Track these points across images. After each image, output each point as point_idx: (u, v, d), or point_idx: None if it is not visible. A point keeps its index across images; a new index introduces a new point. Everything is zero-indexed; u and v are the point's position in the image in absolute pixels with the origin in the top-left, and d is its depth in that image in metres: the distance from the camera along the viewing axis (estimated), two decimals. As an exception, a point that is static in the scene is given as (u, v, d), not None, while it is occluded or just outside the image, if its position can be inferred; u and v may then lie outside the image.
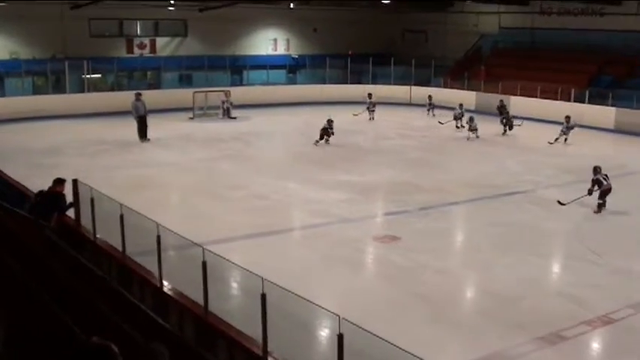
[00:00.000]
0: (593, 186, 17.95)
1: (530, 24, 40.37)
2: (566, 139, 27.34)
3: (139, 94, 28.11)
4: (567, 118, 27.84)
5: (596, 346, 11.29)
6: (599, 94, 32.91)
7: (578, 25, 37.30)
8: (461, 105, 31.71)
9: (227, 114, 33.95)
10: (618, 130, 30.87)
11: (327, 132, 26.36)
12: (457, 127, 30.74)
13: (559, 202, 18.02)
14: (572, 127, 27.50)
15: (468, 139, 28.12)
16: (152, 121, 27.73)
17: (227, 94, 34.30)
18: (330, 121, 26.60)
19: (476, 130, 28.47)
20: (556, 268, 15.11)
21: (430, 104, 35.90)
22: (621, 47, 35.24)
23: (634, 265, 14.24)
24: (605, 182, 17.93)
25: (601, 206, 17.92)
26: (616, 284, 13.27)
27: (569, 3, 35.79)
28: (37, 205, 13.68)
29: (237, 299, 12.00)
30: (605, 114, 31.81)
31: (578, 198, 17.82)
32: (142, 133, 27.22)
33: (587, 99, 33.07)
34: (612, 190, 17.98)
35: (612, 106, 32.05)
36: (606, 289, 13.00)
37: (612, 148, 26.39)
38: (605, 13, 36.00)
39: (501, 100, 32.40)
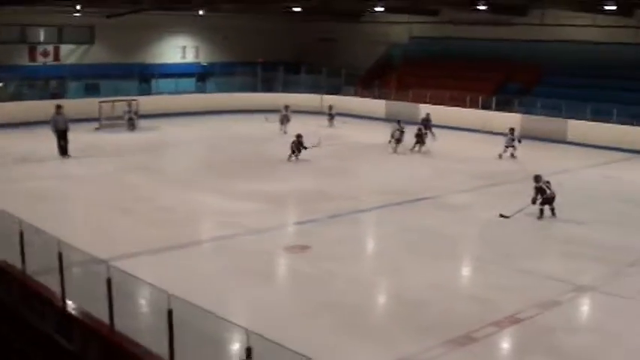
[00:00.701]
0: (536, 195, 17.93)
1: (439, 34, 41.07)
2: (512, 154, 26.83)
3: (60, 107, 26.23)
4: (511, 130, 27.29)
5: (505, 345, 11.45)
6: (505, 102, 33.79)
7: (486, 34, 38.07)
8: (399, 121, 29.47)
9: (131, 125, 33.14)
10: (524, 135, 31.52)
11: (297, 147, 25.46)
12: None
13: (502, 215, 17.89)
14: (515, 140, 26.89)
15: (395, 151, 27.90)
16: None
17: (130, 103, 33.49)
18: (299, 136, 25.69)
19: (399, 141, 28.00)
20: (464, 272, 15.29)
21: (330, 114, 35.47)
22: (527, 56, 36.41)
23: (539, 266, 14.56)
24: (548, 190, 17.97)
25: (542, 213, 18.01)
26: (522, 285, 13.54)
27: (478, 14, 36.47)
28: None
29: (144, 316, 11.65)
30: (512, 120, 32.49)
31: (522, 209, 17.85)
32: (62, 149, 25.65)
33: (494, 106, 33.85)
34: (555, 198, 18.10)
35: (518, 112, 32.92)
36: (513, 289, 13.23)
37: (518, 153, 26.96)
38: (512, 24, 36.86)
39: (428, 114, 31.44)
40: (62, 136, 25.67)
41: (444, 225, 17.72)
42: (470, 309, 12.27)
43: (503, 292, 13.10)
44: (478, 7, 32.45)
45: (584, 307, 13.25)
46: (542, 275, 14.06)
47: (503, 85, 36.42)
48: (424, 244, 16.18)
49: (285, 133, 31.50)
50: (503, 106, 33.77)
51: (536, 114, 32.12)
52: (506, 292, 13.06)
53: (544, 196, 17.92)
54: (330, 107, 35.87)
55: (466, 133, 32.67)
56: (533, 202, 17.94)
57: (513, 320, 11.75)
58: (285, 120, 32.54)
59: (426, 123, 30.19)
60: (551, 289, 13.31)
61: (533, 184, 18.09)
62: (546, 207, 18.08)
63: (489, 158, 26.49)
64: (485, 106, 34.29)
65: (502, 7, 34.47)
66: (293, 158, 25.43)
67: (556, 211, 18.09)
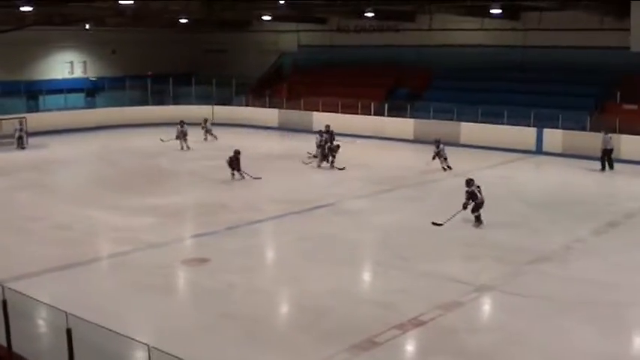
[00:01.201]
0: (468, 199, 17.84)
1: (328, 42, 41.45)
2: (444, 168, 25.56)
3: None
4: (437, 142, 25.89)
5: (409, 348, 11.57)
6: (397, 107, 34.27)
7: (374, 41, 38.70)
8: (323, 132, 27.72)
9: (20, 143, 32.04)
10: (417, 140, 32.28)
11: (236, 164, 24.14)
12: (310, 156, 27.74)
13: (434, 223, 17.77)
14: (441, 150, 25.67)
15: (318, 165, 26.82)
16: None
17: (21, 121, 32.42)
18: (237, 152, 24.36)
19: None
20: (365, 277, 15.44)
21: (204, 127, 34.37)
22: (416, 61, 37.08)
23: (439, 268, 14.78)
24: (479, 195, 17.86)
25: (478, 219, 17.92)
26: (424, 287, 13.75)
27: (365, 20, 37.02)
28: None
29: (43, 337, 11.40)
30: (405, 125, 33.24)
31: (454, 215, 17.86)
32: None
33: (386, 112, 34.39)
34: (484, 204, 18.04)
35: (411, 117, 33.50)
36: (414, 292, 13.41)
37: (413, 157, 27.41)
38: (400, 29, 37.55)
39: (327, 125, 28.79)
40: None
41: (342, 231, 17.82)
42: (372, 313, 12.38)
43: (404, 295, 13.26)
44: (366, 15, 32.97)
45: (486, 306, 13.51)
46: (444, 277, 14.29)
47: (393, 91, 36.90)
48: (323, 251, 16.26)
49: (188, 148, 31.02)
50: (396, 112, 34.22)
51: (429, 118, 32.63)
52: (408, 295, 13.23)
53: (475, 201, 17.85)
54: (205, 121, 34.72)
55: (360, 140, 33.04)
56: (465, 207, 17.91)
57: (416, 323, 11.90)
58: (182, 135, 31.49)
59: (331, 135, 27.92)
60: (453, 290, 13.52)
61: (464, 188, 18.10)
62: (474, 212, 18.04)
63: (384, 164, 26.87)
64: (378, 113, 34.73)
65: (390, 14, 34.97)
66: (237, 176, 24.04)
67: (482, 217, 18.00)
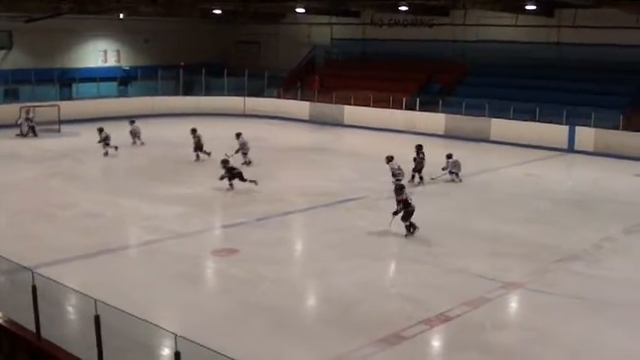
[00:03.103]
0: (398, 205, 16.78)
1: (361, 35, 41.32)
2: (454, 180, 23.10)
3: None
4: (448, 156, 23.53)
5: (435, 343, 11.55)
6: (429, 102, 34.02)
7: (408, 35, 38.42)
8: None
9: (32, 131, 32.18)
10: (448, 135, 32.13)
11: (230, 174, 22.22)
12: None
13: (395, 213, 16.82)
14: (449, 168, 23.22)
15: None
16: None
17: (27, 110, 32.46)
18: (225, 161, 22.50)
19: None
20: (392, 271, 15.44)
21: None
22: (449, 56, 36.85)
23: (466, 264, 14.73)
24: (412, 204, 16.78)
25: (409, 228, 16.77)
26: (451, 283, 13.72)
27: (399, 14, 36.88)
28: None
29: (72, 323, 11.54)
30: (436, 120, 33.06)
31: (390, 222, 16.87)
32: None
33: (417, 106, 34.20)
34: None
35: (442, 112, 33.28)
36: (441, 287, 13.40)
37: (443, 153, 27.07)
38: (435, 24, 37.34)
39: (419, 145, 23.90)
40: None
41: (371, 225, 17.76)
42: (399, 308, 12.37)
43: (431, 290, 13.25)
44: (400, 9, 32.81)
45: (513, 304, 13.46)
46: (471, 273, 14.25)
47: (426, 86, 36.71)
48: (351, 244, 16.27)
49: (142, 144, 29.53)
50: (427, 107, 33.97)
51: (460, 114, 32.44)
52: (435, 291, 13.21)
53: (406, 209, 16.73)
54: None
55: (390, 134, 32.95)
56: (395, 213, 16.80)
57: (443, 318, 11.88)
58: (134, 135, 29.65)
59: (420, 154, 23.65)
60: (480, 286, 13.46)
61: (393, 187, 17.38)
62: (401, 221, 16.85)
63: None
64: (409, 107, 34.56)
65: (424, 8, 34.82)
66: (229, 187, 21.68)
67: (413, 228, 16.84)
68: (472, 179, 23.55)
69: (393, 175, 20.86)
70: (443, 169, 23.20)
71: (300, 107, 38.54)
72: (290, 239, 17.76)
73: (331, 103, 37.12)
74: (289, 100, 39.31)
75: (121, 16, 39.45)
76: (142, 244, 16.44)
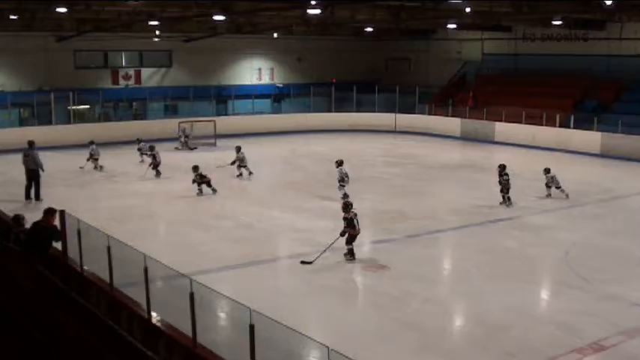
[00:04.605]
0: (347, 226, 16.12)
1: (513, 50, 40.72)
2: (548, 195, 22.71)
3: (31, 143, 22.86)
4: (546, 170, 23.10)
5: (588, 373, 11.16)
6: (584, 119, 33.04)
7: (561, 50, 37.64)
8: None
9: (186, 145, 33.89)
10: (604, 154, 31.04)
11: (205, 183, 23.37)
12: None
13: (303, 262, 15.80)
14: (550, 182, 22.81)
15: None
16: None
17: (184, 128, 34.27)
18: (195, 168, 23.67)
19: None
20: (545, 295, 15.02)
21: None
22: (605, 72, 35.62)
23: (623, 291, 14.14)
24: (357, 226, 16.14)
25: (350, 253, 16.11)
26: (606, 310, 13.19)
27: (552, 28, 36.05)
28: (31, 236, 13.44)
29: (225, 330, 11.88)
30: (591, 139, 32.00)
31: (325, 250, 15.96)
32: (28, 191, 22.10)
33: (572, 124, 33.24)
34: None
35: (598, 130, 32.17)
36: (596, 315, 12.92)
37: (599, 173, 26.34)
38: (589, 38, 36.35)
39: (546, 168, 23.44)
40: (32, 178, 22.21)
41: (522, 246, 17.52)
42: (551, 334, 12.05)
43: (585, 317, 12.83)
44: (553, 23, 32.08)
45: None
46: (628, 301, 13.69)
47: (581, 102, 35.70)
48: (502, 265, 16.03)
49: (101, 169, 27.98)
50: (581, 124, 32.97)
51: (617, 132, 31.31)
52: (589, 318, 12.78)
53: (351, 232, 16.11)
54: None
55: (542, 151, 32.16)
56: (342, 234, 16.08)
57: (597, 347, 11.49)
58: (92, 158, 28.08)
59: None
60: (638, 315, 13.00)
61: (342, 214, 16.38)
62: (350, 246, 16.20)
63: (567, 178, 25.60)
64: (562, 124, 33.70)
65: (578, 22, 33.92)
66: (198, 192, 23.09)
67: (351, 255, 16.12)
68: (628, 201, 22.67)
69: (340, 180, 21.86)
70: (548, 186, 22.66)
71: (451, 124, 38.30)
72: (440, 257, 17.67)
73: (482, 119, 36.67)
74: (440, 117, 39.10)
75: (275, 35, 40.53)
76: (294, 256, 16.64)
